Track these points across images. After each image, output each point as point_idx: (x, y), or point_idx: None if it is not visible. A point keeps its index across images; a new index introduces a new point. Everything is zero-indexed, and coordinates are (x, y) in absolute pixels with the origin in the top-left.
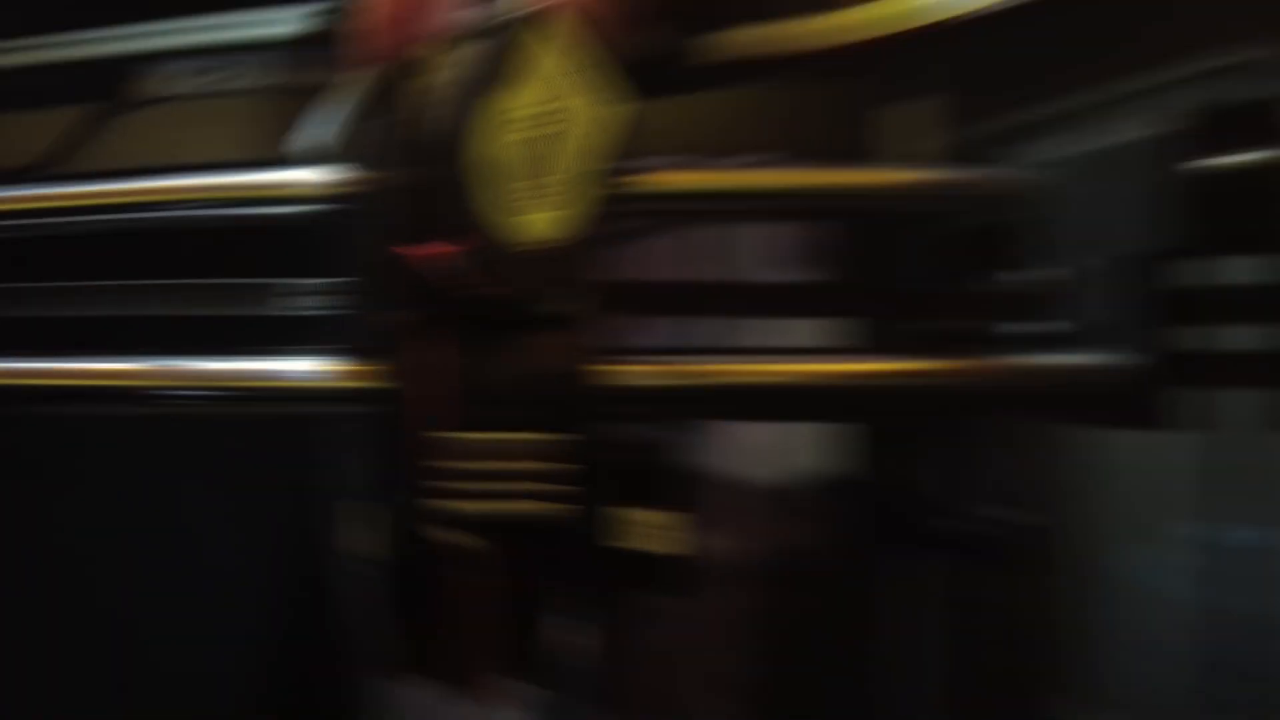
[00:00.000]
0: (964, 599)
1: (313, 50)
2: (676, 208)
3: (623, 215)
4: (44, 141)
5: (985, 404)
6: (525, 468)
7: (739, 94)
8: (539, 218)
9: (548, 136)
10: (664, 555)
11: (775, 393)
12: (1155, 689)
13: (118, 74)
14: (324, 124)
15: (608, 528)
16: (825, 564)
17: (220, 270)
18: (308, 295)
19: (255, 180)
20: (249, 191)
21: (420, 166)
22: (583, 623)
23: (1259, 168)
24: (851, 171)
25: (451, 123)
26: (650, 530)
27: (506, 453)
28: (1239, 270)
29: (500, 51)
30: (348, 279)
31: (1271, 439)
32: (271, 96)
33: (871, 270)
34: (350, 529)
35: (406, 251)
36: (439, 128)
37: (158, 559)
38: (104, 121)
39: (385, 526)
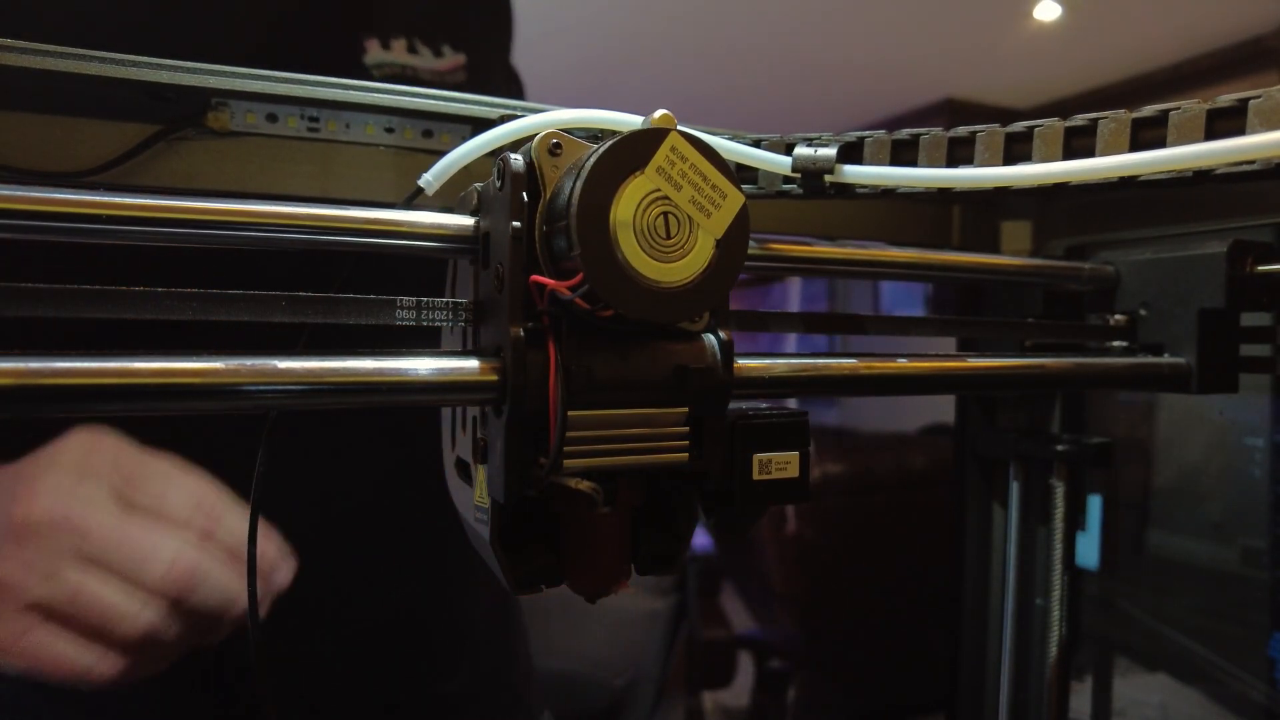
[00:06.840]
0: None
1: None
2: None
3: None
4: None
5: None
6: (643, 432)
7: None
8: (654, 265)
9: (666, 210)
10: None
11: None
12: None
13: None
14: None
15: (733, 467)
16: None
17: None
18: (435, 310)
19: (397, 217)
20: (390, 226)
21: (556, 220)
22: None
23: None
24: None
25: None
26: (773, 465)
27: (623, 422)
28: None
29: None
30: (473, 299)
31: None
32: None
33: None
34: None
35: (537, 280)
36: (577, 189)
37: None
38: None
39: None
